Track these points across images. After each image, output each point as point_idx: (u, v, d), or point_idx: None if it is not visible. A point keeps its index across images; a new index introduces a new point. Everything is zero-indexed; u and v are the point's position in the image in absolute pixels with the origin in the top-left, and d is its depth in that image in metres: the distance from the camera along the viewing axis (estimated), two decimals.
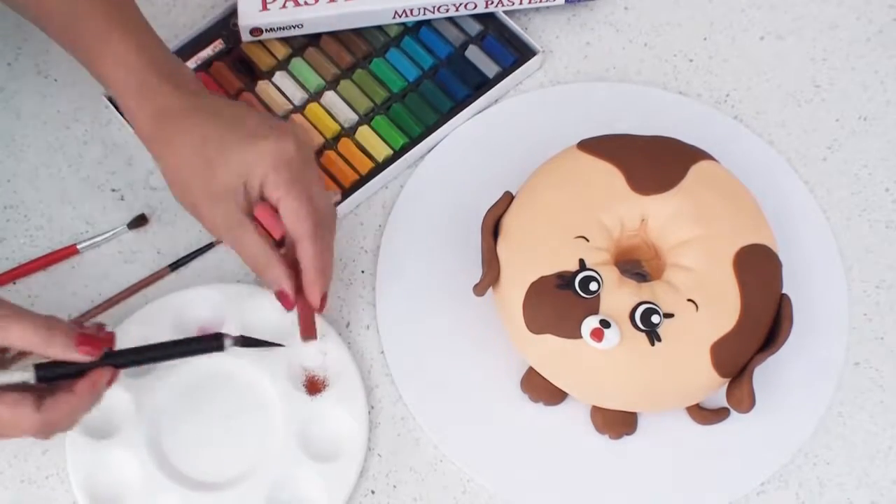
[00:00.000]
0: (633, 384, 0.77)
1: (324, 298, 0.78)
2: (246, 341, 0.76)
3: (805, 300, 0.84)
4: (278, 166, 0.74)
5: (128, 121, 0.79)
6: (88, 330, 0.72)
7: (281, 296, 0.78)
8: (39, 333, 0.70)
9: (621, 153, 0.82)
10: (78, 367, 0.71)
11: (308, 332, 0.80)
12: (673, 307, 0.77)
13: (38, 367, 0.71)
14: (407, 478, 0.81)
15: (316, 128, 0.91)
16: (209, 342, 0.75)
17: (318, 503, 0.79)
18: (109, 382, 0.72)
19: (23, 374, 0.71)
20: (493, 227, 0.82)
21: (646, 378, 0.77)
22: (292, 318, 0.80)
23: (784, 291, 0.80)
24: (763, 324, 0.79)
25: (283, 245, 0.83)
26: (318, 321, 0.81)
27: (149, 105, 0.77)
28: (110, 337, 0.73)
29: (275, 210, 0.76)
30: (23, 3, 0.82)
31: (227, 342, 0.75)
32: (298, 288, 0.78)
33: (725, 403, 0.80)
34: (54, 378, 0.72)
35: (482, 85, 0.93)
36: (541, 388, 0.82)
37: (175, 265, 0.86)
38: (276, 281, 0.77)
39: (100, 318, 0.84)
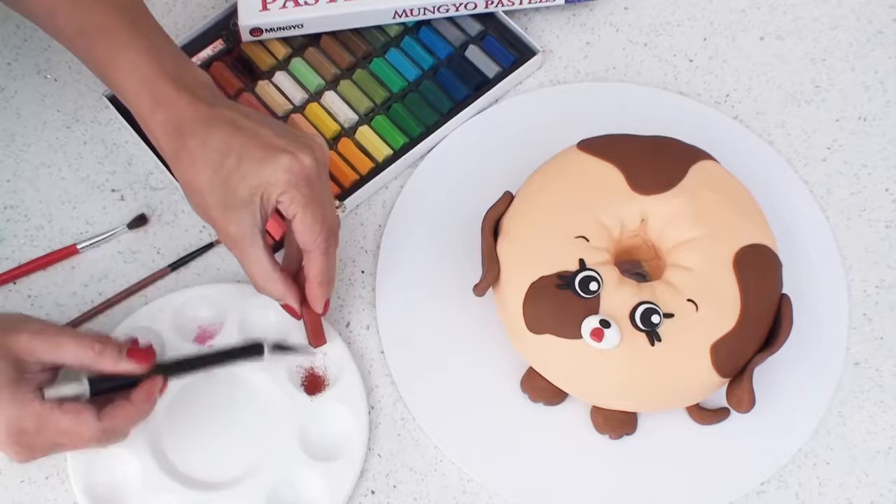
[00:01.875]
0: (633, 384, 0.77)
1: (326, 303, 0.79)
2: (283, 349, 0.79)
3: (805, 300, 0.84)
4: (297, 183, 0.74)
5: (141, 126, 0.78)
6: (134, 345, 0.74)
7: (287, 309, 0.80)
8: (93, 347, 0.72)
9: (621, 153, 0.82)
10: (128, 380, 0.74)
11: (318, 340, 0.81)
12: (673, 307, 0.77)
13: (92, 381, 0.73)
14: (407, 478, 0.81)
15: (316, 128, 0.91)
16: (249, 351, 0.77)
17: (318, 503, 0.79)
18: (161, 390, 0.75)
19: (77, 387, 0.73)
20: (493, 227, 0.82)
21: (646, 378, 0.77)
22: (294, 317, 0.81)
23: (784, 291, 0.80)
24: (763, 324, 0.78)
25: (282, 245, 0.83)
26: None
27: (165, 116, 0.76)
28: (153, 350, 0.75)
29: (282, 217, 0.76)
30: (35, 15, 0.81)
31: (266, 351, 0.78)
32: (302, 297, 0.79)
33: (725, 403, 0.80)
34: (107, 390, 0.74)
35: (482, 85, 0.93)
36: (541, 388, 0.82)
37: (175, 265, 0.86)
38: (280, 297, 0.78)
39: (100, 318, 0.84)
